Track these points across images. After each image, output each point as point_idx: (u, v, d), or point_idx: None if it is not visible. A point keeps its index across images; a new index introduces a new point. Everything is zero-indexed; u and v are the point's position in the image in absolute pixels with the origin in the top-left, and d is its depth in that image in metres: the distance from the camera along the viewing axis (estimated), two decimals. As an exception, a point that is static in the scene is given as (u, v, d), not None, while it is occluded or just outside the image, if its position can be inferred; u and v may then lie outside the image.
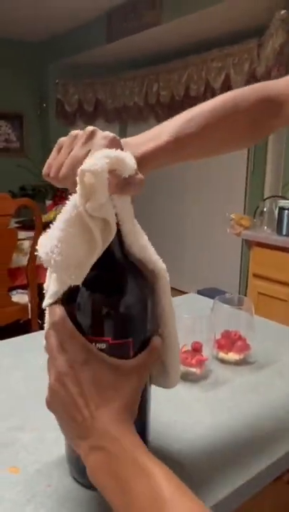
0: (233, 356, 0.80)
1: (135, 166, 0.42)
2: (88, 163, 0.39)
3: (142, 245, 0.47)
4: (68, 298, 0.45)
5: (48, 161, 0.47)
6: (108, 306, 0.45)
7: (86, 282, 0.43)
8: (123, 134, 4.35)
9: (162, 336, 0.50)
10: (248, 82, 2.97)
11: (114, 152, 0.41)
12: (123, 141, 0.49)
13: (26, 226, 2.55)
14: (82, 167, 0.39)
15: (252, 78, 2.94)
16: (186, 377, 0.74)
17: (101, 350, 0.44)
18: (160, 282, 0.48)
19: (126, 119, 4.21)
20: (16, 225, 2.55)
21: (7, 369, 0.76)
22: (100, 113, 4.27)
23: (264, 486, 0.54)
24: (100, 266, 0.43)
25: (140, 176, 0.44)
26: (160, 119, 3.81)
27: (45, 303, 0.47)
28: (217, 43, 3.12)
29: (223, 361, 0.80)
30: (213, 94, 3.22)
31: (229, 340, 0.81)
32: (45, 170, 0.47)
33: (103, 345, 0.44)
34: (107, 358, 0.43)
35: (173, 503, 0.35)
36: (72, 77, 4.13)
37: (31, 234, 2.35)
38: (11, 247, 2.22)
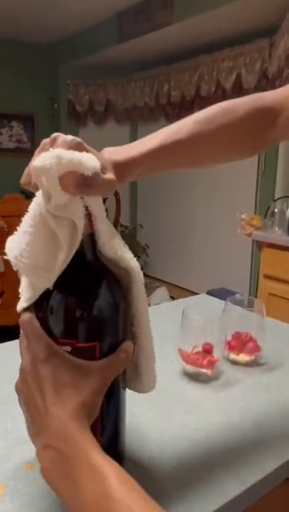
0: (244, 357, 0.80)
1: (97, 167, 0.41)
2: (37, 161, 0.39)
3: (115, 244, 0.47)
4: (39, 299, 0.45)
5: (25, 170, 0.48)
6: (72, 308, 0.44)
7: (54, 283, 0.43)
8: (134, 134, 4.36)
9: (136, 337, 0.49)
10: (259, 82, 2.96)
11: (67, 152, 0.40)
12: (103, 150, 0.49)
13: (38, 226, 2.57)
14: (33, 163, 0.39)
15: (263, 78, 2.93)
16: (197, 378, 0.75)
17: (67, 352, 0.44)
18: (134, 282, 0.48)
19: (136, 120, 4.22)
20: (28, 225, 2.57)
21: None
22: (111, 113, 4.29)
23: (275, 485, 0.55)
24: (67, 266, 0.42)
25: (108, 176, 0.44)
26: (171, 119, 3.81)
27: (19, 307, 0.47)
28: (228, 42, 3.11)
29: (234, 362, 0.81)
30: (224, 94, 3.22)
31: (240, 342, 0.81)
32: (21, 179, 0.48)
33: (68, 348, 0.44)
34: (69, 358, 0.43)
35: (122, 502, 0.34)
36: (83, 78, 4.16)
37: (43, 234, 2.38)
38: (23, 247, 2.25)
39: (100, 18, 3.45)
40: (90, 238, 0.46)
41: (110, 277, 0.48)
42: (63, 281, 0.45)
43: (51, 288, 0.44)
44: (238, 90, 3.11)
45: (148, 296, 3.68)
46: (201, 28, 2.95)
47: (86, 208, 0.44)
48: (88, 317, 0.45)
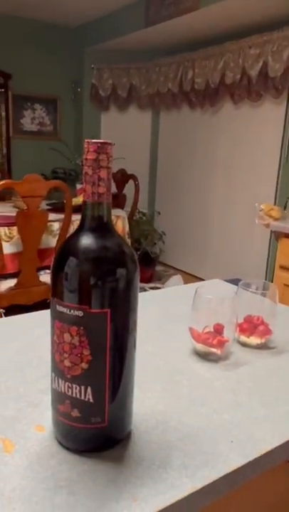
0: (254, 340, 0.81)
1: None
2: None
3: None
4: (55, 264, 0.48)
5: None
6: (87, 275, 0.46)
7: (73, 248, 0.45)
8: (155, 121, 4.33)
9: None
10: (286, 71, 2.90)
11: None
12: None
13: (57, 208, 2.60)
14: None
15: (290, 66, 2.87)
16: (207, 357, 0.75)
17: (79, 317, 0.46)
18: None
19: (159, 106, 4.19)
20: (47, 207, 2.60)
21: (38, 338, 0.80)
22: (133, 99, 4.27)
23: (278, 462, 0.56)
24: (85, 233, 0.45)
25: None
26: (194, 106, 3.77)
27: None
28: (256, 29, 3.05)
29: (244, 344, 0.81)
30: (249, 82, 3.17)
31: (251, 325, 0.82)
32: None
33: (81, 313, 0.46)
34: None
35: None
36: (108, 62, 4.14)
37: (61, 216, 2.40)
38: (41, 228, 2.28)
39: (128, 1, 3.42)
40: (108, 207, 0.47)
41: (126, 249, 0.49)
42: (81, 248, 0.46)
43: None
44: (264, 79, 3.06)
45: (163, 283, 3.69)
46: (229, 13, 2.90)
47: (107, 174, 0.45)
48: (103, 285, 0.46)
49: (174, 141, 4.16)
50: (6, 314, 2.20)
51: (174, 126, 4.14)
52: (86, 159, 0.45)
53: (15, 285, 2.29)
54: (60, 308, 0.47)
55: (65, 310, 0.47)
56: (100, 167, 0.45)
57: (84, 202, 0.47)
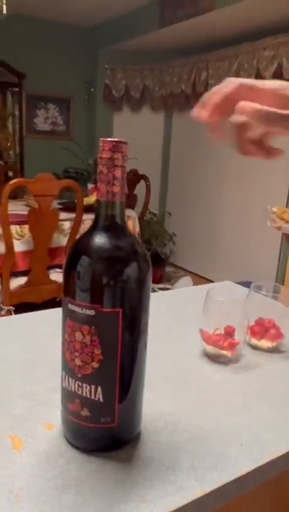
0: (265, 343, 0.80)
1: None
2: None
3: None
4: (68, 263, 0.48)
5: None
6: (100, 274, 0.46)
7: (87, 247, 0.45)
8: (168, 122, 4.33)
9: None
10: (300, 73, 2.88)
11: None
12: None
13: (68, 207, 2.61)
14: None
15: (305, 68, 2.84)
16: (217, 360, 0.75)
17: (90, 316, 0.46)
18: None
19: (172, 108, 4.19)
20: (59, 206, 2.62)
21: (47, 336, 0.80)
22: (147, 100, 4.27)
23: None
24: (97, 232, 0.46)
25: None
26: (207, 107, 3.76)
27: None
28: (271, 30, 3.03)
29: (254, 347, 0.81)
30: (263, 84, 3.14)
31: (263, 328, 0.81)
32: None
33: (92, 312, 0.46)
34: None
35: None
36: (121, 63, 4.15)
37: (72, 215, 2.41)
38: (52, 226, 2.29)
39: (142, 2, 3.42)
40: (121, 206, 0.47)
41: (138, 249, 0.49)
42: (94, 247, 0.46)
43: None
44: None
45: (172, 284, 3.68)
46: (244, 14, 2.88)
47: (122, 173, 0.45)
48: (115, 285, 0.46)
49: (187, 143, 4.15)
50: (16, 312, 2.21)
51: (186, 128, 4.14)
52: (101, 158, 0.45)
53: (25, 283, 2.31)
54: (71, 307, 0.47)
55: (76, 309, 0.47)
56: (114, 166, 0.45)
57: (98, 201, 0.47)
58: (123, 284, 0.46)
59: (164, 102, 4.22)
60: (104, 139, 0.45)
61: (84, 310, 0.46)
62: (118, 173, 0.45)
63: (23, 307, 2.18)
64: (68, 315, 0.48)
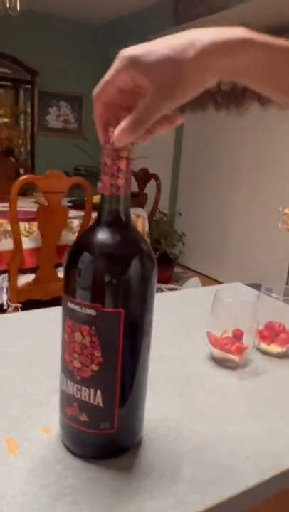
0: (275, 348, 0.77)
1: None
2: None
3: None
4: (69, 260, 0.45)
5: None
6: (101, 272, 0.43)
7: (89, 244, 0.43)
8: (180, 121, 4.29)
9: None
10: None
11: None
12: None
13: (77, 205, 2.59)
14: None
15: None
16: (224, 364, 0.72)
17: (91, 316, 0.43)
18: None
19: (183, 107, 4.15)
20: (68, 204, 2.60)
21: (51, 334, 0.77)
22: (159, 98, 4.24)
23: (297, 481, 0.52)
24: (100, 228, 0.43)
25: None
26: (219, 107, 3.72)
27: None
28: (286, 28, 2.98)
29: (264, 352, 0.78)
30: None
31: (273, 332, 0.78)
32: None
33: (93, 312, 0.43)
34: None
35: None
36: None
37: (81, 213, 2.39)
38: (61, 224, 2.28)
39: (157, 0, 3.39)
40: (126, 200, 0.44)
41: (143, 247, 0.46)
42: (96, 244, 0.43)
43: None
44: (293, 80, 2.98)
45: (180, 285, 3.65)
46: (259, 12, 2.84)
47: (127, 165, 0.42)
48: (118, 283, 0.44)
49: (198, 142, 4.11)
50: (23, 309, 2.20)
51: (198, 127, 4.10)
52: (105, 148, 0.43)
53: (33, 280, 2.29)
54: (71, 306, 0.45)
55: (76, 308, 0.44)
56: (119, 157, 0.42)
57: (101, 195, 0.44)
58: (126, 283, 0.44)
59: (176, 101, 4.18)
60: (112, 128, 0.42)
61: (84, 309, 0.44)
62: (123, 165, 0.43)
63: (30, 304, 2.17)
64: (68, 314, 0.45)
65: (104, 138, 0.42)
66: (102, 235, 0.44)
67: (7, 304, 2.26)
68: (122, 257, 0.44)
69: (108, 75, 0.41)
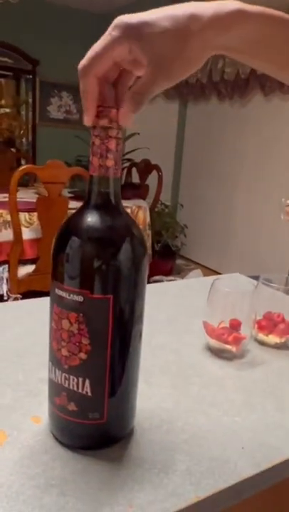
0: (273, 339, 0.75)
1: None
2: None
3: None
4: (56, 245, 0.43)
5: None
6: (90, 257, 0.42)
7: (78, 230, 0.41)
8: (183, 112, 4.25)
9: None
10: None
11: None
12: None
13: (78, 196, 2.57)
14: None
15: None
16: (221, 354, 0.70)
17: (78, 303, 0.42)
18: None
19: (187, 97, 4.10)
20: (69, 195, 2.58)
21: (45, 324, 0.76)
22: (161, 89, 4.19)
23: (293, 473, 0.51)
24: (89, 212, 0.42)
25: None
26: (223, 97, 3.67)
27: None
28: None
29: (262, 343, 0.76)
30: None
31: (271, 322, 0.76)
32: None
33: (81, 298, 0.42)
34: None
35: None
36: (137, 50, 4.07)
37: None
38: (61, 215, 2.26)
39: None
40: (116, 182, 0.42)
41: (134, 230, 0.44)
42: (84, 227, 0.42)
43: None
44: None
45: (182, 277, 3.64)
46: (261, 2, 2.79)
47: (116, 145, 0.40)
48: (106, 269, 0.42)
49: (201, 133, 4.07)
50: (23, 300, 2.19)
51: (201, 118, 4.05)
52: (94, 127, 0.41)
53: (33, 271, 2.28)
54: (59, 292, 0.43)
55: (64, 294, 0.43)
56: (108, 137, 0.41)
57: (90, 176, 0.43)
58: (115, 268, 0.42)
59: (178, 91, 4.13)
60: (101, 105, 0.40)
61: (72, 296, 0.42)
62: (112, 144, 0.41)
63: (30, 295, 2.16)
64: (55, 301, 0.44)
65: (94, 116, 0.40)
66: (91, 218, 0.42)
67: (7, 294, 2.25)
68: (110, 241, 0.42)
69: (102, 44, 0.37)
